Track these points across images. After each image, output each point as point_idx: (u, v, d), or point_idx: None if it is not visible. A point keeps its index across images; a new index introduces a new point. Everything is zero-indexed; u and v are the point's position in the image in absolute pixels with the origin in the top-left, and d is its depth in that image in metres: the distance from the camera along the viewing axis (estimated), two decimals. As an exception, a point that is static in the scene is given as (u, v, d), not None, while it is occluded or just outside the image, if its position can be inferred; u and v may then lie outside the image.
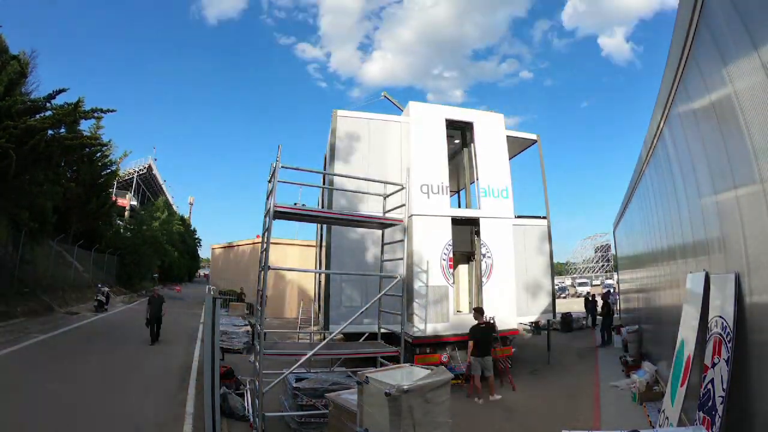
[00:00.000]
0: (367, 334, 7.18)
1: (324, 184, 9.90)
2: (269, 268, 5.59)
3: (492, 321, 8.14)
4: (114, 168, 24.79)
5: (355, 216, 6.73)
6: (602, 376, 8.74)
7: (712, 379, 3.51)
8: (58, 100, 12.78)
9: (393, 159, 9.54)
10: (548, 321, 11.17)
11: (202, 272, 67.84)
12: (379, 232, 7.47)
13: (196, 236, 58.09)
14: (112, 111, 14.10)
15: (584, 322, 16.44)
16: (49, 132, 12.59)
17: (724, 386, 3.26)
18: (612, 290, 25.61)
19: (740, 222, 3.37)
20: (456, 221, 9.04)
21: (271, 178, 5.78)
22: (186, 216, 57.64)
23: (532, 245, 10.40)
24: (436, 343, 8.24)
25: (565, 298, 38.05)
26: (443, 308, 8.42)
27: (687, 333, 4.46)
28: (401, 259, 6.74)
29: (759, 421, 2.99)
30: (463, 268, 10.38)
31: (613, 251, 40.20)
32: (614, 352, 11.08)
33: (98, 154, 22.43)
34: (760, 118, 2.90)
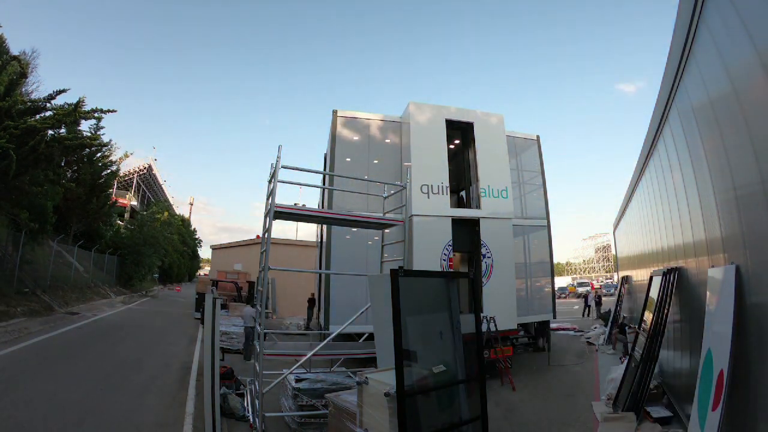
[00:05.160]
0: (367, 335, 7.18)
1: (324, 184, 9.91)
2: (269, 268, 5.59)
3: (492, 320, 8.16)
4: (114, 168, 24.78)
5: (355, 216, 6.74)
6: (602, 376, 8.73)
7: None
8: (59, 101, 12.80)
9: (393, 159, 9.54)
10: (548, 322, 11.17)
11: (202, 272, 67.93)
12: (380, 232, 7.47)
13: (196, 236, 58.21)
14: (113, 111, 14.08)
15: None
16: (50, 132, 12.59)
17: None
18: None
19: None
20: (456, 221, 9.04)
21: (271, 179, 5.79)
22: (186, 216, 57.73)
23: (532, 245, 10.41)
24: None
25: (565, 298, 38.11)
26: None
27: (715, 342, 3.76)
28: (401, 259, 6.73)
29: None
30: (463, 269, 10.38)
31: (613, 251, 40.26)
32: (615, 352, 11.08)
33: (98, 155, 22.44)
34: (760, 117, 2.90)
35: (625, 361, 7.60)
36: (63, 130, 14.40)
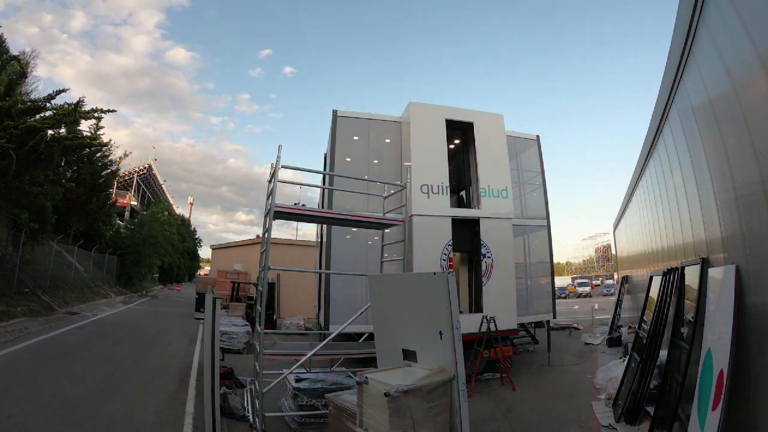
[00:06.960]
0: (367, 334, 7.18)
1: (324, 184, 9.91)
2: (270, 268, 5.59)
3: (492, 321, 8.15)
4: (114, 168, 24.80)
5: (355, 216, 6.74)
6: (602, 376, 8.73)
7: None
8: (58, 101, 12.81)
9: (393, 159, 9.54)
10: (548, 322, 11.17)
11: (202, 272, 68.00)
12: (380, 232, 7.47)
13: (196, 236, 58.25)
14: (113, 111, 14.15)
15: None
16: (50, 132, 12.59)
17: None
18: None
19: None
20: (456, 221, 9.04)
21: (271, 179, 5.79)
22: (186, 216, 57.76)
23: (532, 245, 10.42)
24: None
25: (565, 298, 38.09)
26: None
27: (715, 342, 3.76)
28: (401, 259, 6.73)
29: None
30: (463, 268, 10.38)
31: (613, 251, 40.24)
32: (615, 352, 11.07)
33: (98, 155, 22.46)
34: (760, 117, 2.90)
35: (625, 361, 7.60)
36: (63, 130, 14.42)
